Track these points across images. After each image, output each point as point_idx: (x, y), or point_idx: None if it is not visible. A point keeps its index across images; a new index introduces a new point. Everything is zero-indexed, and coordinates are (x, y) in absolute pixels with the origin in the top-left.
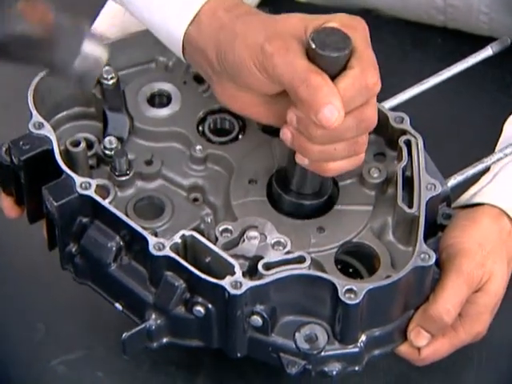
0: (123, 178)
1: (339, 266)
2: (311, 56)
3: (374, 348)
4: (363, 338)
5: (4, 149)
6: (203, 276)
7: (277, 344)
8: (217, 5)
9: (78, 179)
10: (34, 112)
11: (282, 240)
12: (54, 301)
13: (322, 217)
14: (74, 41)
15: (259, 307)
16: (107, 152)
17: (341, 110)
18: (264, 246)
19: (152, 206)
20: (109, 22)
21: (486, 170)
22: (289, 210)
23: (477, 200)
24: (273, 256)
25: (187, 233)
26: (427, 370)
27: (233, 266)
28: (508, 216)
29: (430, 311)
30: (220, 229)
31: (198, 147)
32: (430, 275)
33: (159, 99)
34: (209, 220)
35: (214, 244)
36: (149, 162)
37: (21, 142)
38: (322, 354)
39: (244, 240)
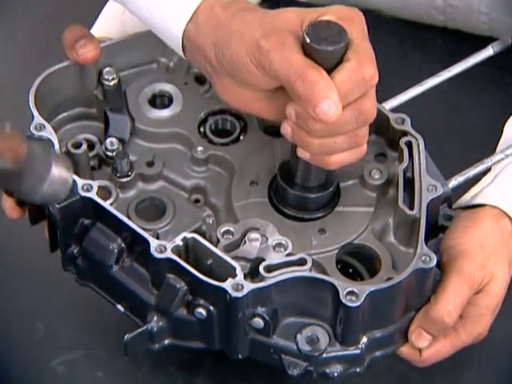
0: (125, 180)
1: (339, 266)
2: (307, 50)
3: (375, 349)
4: (364, 339)
5: None
6: (205, 278)
7: (278, 346)
8: (214, 2)
9: (80, 181)
10: (36, 114)
11: (284, 242)
12: (53, 301)
13: (323, 218)
14: (43, 168)
15: (261, 309)
16: (109, 153)
17: (338, 104)
18: (265, 248)
19: (153, 207)
20: (109, 22)
21: (487, 170)
22: (294, 204)
23: (478, 201)
24: (274, 258)
25: (189, 235)
26: (427, 370)
27: (234, 269)
28: (509, 217)
29: (431, 313)
30: (221, 231)
31: (200, 148)
32: (431, 277)
33: (160, 100)
34: (210, 221)
35: (216, 246)
36: (150, 164)
37: None
38: (324, 355)
39: (245, 242)
